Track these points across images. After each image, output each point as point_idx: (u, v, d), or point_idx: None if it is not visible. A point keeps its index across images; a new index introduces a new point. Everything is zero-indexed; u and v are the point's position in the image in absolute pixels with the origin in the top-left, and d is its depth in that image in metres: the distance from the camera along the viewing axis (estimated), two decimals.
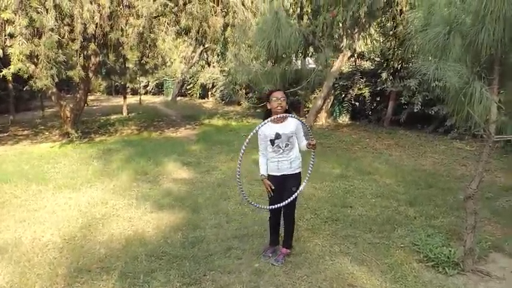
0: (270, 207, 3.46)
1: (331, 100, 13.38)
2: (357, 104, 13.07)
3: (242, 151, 3.13)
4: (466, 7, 2.94)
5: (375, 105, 12.68)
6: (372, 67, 13.16)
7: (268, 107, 3.52)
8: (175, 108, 18.71)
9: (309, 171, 3.51)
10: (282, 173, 3.49)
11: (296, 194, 3.44)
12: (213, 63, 22.40)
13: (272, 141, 3.45)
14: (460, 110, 2.83)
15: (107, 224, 4.54)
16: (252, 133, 3.12)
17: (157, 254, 3.77)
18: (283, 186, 3.51)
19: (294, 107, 15.87)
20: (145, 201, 5.28)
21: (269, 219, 3.76)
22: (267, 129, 3.43)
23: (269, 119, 3.24)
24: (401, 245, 3.89)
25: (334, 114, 14.00)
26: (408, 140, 9.85)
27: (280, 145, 3.43)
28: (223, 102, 21.15)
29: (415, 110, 10.58)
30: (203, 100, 24.01)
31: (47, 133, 11.42)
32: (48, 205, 5.20)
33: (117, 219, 4.71)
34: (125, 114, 16.07)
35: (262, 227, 4.25)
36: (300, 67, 9.14)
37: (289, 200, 3.38)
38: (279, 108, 3.41)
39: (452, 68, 2.74)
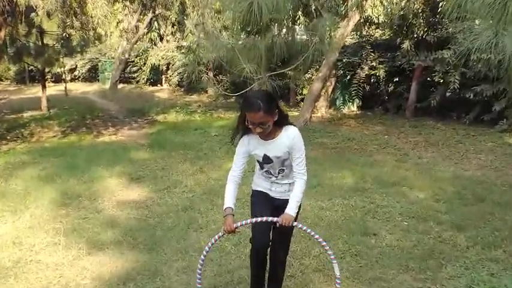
0: None
1: (333, 83, 13.30)
2: (368, 87, 13.02)
3: (205, 253, 2.94)
4: None
5: (392, 88, 12.66)
6: (387, 37, 13.14)
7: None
8: (116, 100, 18.38)
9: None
10: (273, 196, 3.28)
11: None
12: (167, 36, 22.05)
13: (261, 165, 3.19)
14: None
15: (21, 276, 4.17)
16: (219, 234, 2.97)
17: None
18: (271, 204, 3.27)
19: (283, 95, 15.66)
20: (79, 238, 4.93)
21: (250, 258, 3.39)
22: (252, 142, 3.11)
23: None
24: None
25: (338, 103, 13.92)
26: (441, 135, 9.85)
27: (271, 172, 3.19)
28: (182, 89, 20.87)
29: (448, 94, 10.56)
30: (155, 87, 23.66)
31: None
32: None
33: (37, 267, 4.34)
34: (44, 110, 15.60)
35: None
36: (289, 39, 8.96)
37: None
38: (258, 133, 3.02)
39: None
